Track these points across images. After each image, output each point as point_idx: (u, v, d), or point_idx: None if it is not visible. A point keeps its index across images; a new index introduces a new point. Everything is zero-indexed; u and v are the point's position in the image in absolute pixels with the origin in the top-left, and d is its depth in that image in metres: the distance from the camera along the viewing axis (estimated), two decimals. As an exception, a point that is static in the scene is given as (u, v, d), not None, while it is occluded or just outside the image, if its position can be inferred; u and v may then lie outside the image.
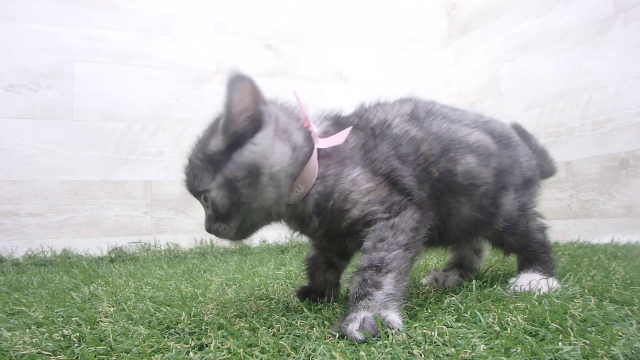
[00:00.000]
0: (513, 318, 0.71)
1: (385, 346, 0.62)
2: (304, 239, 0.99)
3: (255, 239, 2.53)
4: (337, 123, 0.95)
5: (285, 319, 0.81)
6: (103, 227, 2.27)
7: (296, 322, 0.77)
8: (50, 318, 0.88)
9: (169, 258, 2.23)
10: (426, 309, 0.84)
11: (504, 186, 0.99)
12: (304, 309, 0.86)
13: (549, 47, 2.29)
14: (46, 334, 0.75)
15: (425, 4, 3.20)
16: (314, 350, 0.62)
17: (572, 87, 2.12)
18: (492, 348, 0.59)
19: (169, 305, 0.97)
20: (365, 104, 1.05)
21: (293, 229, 0.96)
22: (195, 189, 0.83)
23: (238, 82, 0.78)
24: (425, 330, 0.68)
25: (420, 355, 0.58)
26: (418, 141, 0.93)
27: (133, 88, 2.40)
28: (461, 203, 0.95)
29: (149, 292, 1.20)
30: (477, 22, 2.81)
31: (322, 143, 0.87)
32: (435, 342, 0.64)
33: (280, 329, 0.74)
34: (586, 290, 0.91)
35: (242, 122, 0.79)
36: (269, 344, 0.65)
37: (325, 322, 0.79)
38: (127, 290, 1.24)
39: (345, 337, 0.68)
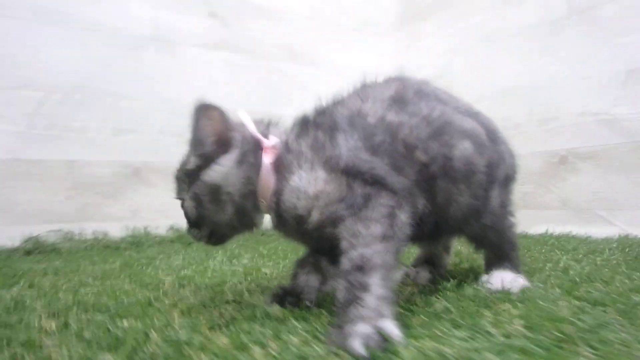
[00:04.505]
0: (514, 326, 0.69)
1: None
2: None
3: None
4: (305, 125, 0.91)
5: (270, 331, 0.73)
6: (15, 213, 1.97)
7: (287, 337, 0.69)
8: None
9: (98, 249, 2.01)
10: (417, 314, 0.80)
11: (492, 180, 0.98)
12: (291, 319, 0.78)
13: (503, 42, 2.35)
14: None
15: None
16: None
17: (521, 83, 2.21)
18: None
19: (123, 317, 0.84)
20: (344, 90, 0.98)
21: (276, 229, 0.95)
22: (177, 196, 0.97)
23: (205, 110, 0.88)
24: (433, 344, 0.63)
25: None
26: (395, 126, 0.88)
27: (52, 51, 2.07)
28: (461, 190, 0.92)
29: (90, 297, 1.04)
30: (433, 10, 2.82)
31: (266, 155, 0.89)
32: (446, 356, 0.59)
33: (274, 347, 0.65)
34: (557, 289, 0.93)
35: (209, 146, 0.89)
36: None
37: (317, 334, 0.72)
38: (61, 295, 1.07)
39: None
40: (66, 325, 0.79)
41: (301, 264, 0.98)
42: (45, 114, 2.06)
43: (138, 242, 2.10)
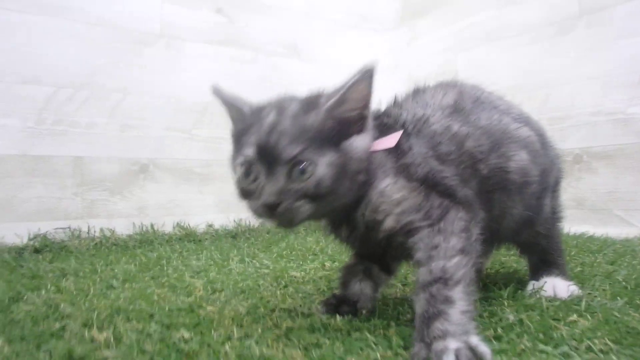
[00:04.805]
0: (600, 341, 0.67)
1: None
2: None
3: (201, 224, 2.32)
4: (380, 127, 0.86)
5: (340, 344, 0.70)
6: (22, 210, 1.90)
7: (363, 352, 0.66)
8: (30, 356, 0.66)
9: (107, 247, 1.94)
10: (487, 327, 0.78)
11: (546, 187, 0.96)
12: (364, 329, 0.74)
13: (507, 41, 2.34)
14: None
15: (379, -17, 3.11)
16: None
17: (529, 82, 2.20)
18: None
19: (175, 327, 0.79)
20: (399, 95, 0.94)
21: (328, 232, 0.90)
22: (299, 154, 0.72)
23: (371, 77, 0.75)
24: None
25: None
26: (462, 137, 0.85)
27: (61, 47, 1.99)
28: (515, 202, 0.91)
29: (125, 302, 0.99)
30: (433, 7, 2.80)
31: (375, 146, 0.80)
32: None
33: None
34: (618, 299, 0.92)
35: (351, 112, 0.76)
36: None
37: (394, 348, 0.69)
38: (94, 300, 1.01)
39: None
40: (118, 336, 0.74)
41: (351, 271, 0.94)
42: (53, 109, 1.98)
43: (147, 240, 2.04)
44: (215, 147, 2.37)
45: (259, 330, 0.78)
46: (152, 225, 2.19)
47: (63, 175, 2.00)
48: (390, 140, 0.80)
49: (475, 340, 0.64)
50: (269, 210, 0.71)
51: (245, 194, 0.76)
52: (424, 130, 0.84)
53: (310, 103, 0.77)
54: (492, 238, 0.90)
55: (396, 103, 0.92)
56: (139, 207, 2.22)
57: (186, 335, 0.73)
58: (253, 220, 2.45)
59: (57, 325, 0.81)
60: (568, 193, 2.07)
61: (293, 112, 0.75)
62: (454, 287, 0.68)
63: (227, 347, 0.66)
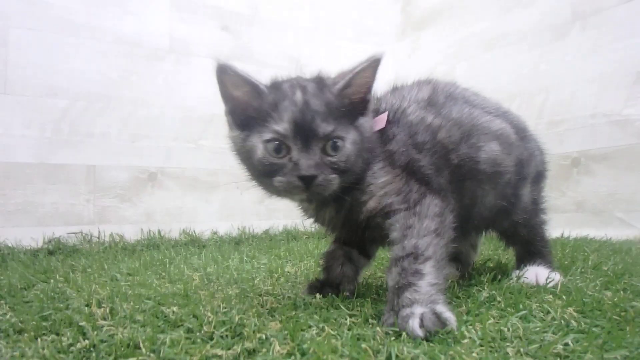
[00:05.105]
0: (567, 311, 0.70)
1: (472, 345, 0.57)
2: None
3: (206, 231, 2.39)
4: None
5: (317, 317, 0.74)
6: (38, 215, 1.99)
7: (344, 320, 0.70)
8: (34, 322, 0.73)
9: (116, 250, 2.02)
10: (462, 304, 0.82)
11: (523, 177, 1.00)
12: (341, 306, 0.79)
13: (506, 48, 2.39)
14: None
15: (380, -2, 3.21)
16: (400, 351, 0.55)
17: (528, 88, 2.24)
18: (578, 341, 0.57)
19: (167, 305, 0.85)
20: (377, 90, 1.00)
21: (309, 215, 0.94)
22: (332, 130, 0.78)
23: (377, 63, 0.81)
24: (497, 327, 0.65)
25: (518, 353, 0.54)
26: (435, 128, 0.90)
27: (78, 62, 2.12)
28: (486, 191, 0.94)
29: (126, 289, 1.05)
30: (433, 20, 2.87)
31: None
32: (507, 338, 0.61)
33: (329, 329, 0.66)
34: (597, 282, 0.94)
35: (362, 95, 0.83)
36: (345, 346, 0.57)
37: (367, 318, 0.73)
38: (97, 288, 1.08)
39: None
40: (113, 311, 0.80)
41: (332, 256, 0.98)
42: (70, 120, 2.09)
43: (154, 244, 2.11)
44: (220, 156, 2.45)
45: (244, 307, 0.83)
46: (159, 231, 2.26)
47: (77, 182, 2.10)
48: (381, 121, 0.86)
49: (441, 307, 0.67)
50: (306, 183, 0.75)
51: (273, 169, 0.78)
52: (402, 119, 0.90)
53: (320, 83, 0.83)
54: (464, 225, 0.93)
55: (375, 96, 0.97)
56: (147, 213, 2.30)
57: (176, 309, 0.78)
58: (256, 227, 2.53)
59: (62, 305, 0.88)
60: (567, 196, 2.09)
61: (315, 92, 0.80)
62: (424, 262, 0.72)
63: (210, 316, 0.71)
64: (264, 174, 0.79)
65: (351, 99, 0.82)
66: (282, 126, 0.76)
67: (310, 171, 0.74)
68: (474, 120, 0.94)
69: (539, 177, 1.08)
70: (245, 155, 0.82)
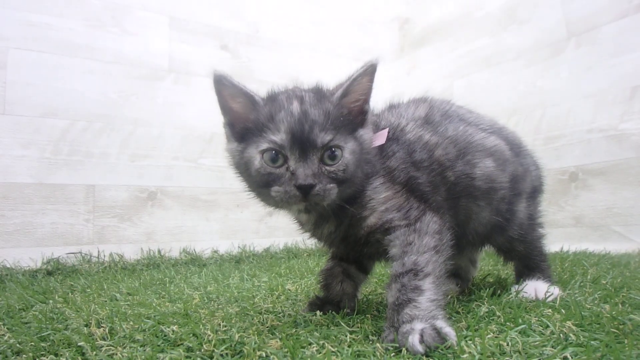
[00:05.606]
0: (566, 325, 0.70)
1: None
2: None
3: (206, 250, 2.38)
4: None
5: (317, 334, 0.74)
6: (37, 235, 1.99)
7: (344, 337, 0.70)
8: (32, 343, 0.72)
9: (115, 270, 2.01)
10: (462, 319, 0.82)
11: (518, 193, 1.01)
12: (341, 322, 0.79)
13: (503, 65, 2.43)
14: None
15: (378, 18, 3.27)
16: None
17: (525, 104, 2.27)
18: (577, 355, 0.57)
19: (167, 324, 0.85)
20: (374, 107, 1.02)
21: (306, 229, 0.93)
22: (332, 140, 0.78)
23: (373, 71, 0.81)
24: (496, 341, 0.65)
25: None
26: (432, 146, 0.92)
27: (77, 82, 2.15)
28: (481, 207, 0.95)
29: (125, 308, 1.05)
30: (430, 38, 2.92)
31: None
32: (506, 353, 0.61)
33: (329, 346, 0.66)
34: (595, 296, 0.94)
35: (363, 104, 0.83)
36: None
37: (368, 335, 0.73)
38: (97, 308, 1.07)
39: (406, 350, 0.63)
40: (113, 331, 0.80)
41: (330, 273, 0.98)
42: (69, 140, 2.11)
43: (154, 264, 2.10)
44: (220, 175, 2.47)
45: (244, 326, 0.82)
46: (159, 251, 2.26)
47: (76, 202, 2.10)
48: (382, 137, 0.86)
49: (441, 322, 0.68)
50: (304, 192, 0.74)
51: (270, 179, 0.77)
52: (401, 137, 0.91)
53: (318, 93, 0.83)
54: (459, 241, 0.93)
55: (373, 113, 0.99)
56: (147, 233, 2.30)
57: (176, 328, 0.78)
58: (257, 245, 2.52)
59: (62, 325, 0.88)
60: (566, 211, 2.10)
61: (313, 102, 0.80)
62: (424, 278, 0.73)
63: (210, 334, 0.71)
64: (262, 185, 0.79)
65: (350, 108, 0.82)
66: (278, 136, 0.77)
67: (308, 180, 0.74)
68: (468, 137, 0.96)
69: (535, 192, 1.09)
70: (243, 167, 0.82)
